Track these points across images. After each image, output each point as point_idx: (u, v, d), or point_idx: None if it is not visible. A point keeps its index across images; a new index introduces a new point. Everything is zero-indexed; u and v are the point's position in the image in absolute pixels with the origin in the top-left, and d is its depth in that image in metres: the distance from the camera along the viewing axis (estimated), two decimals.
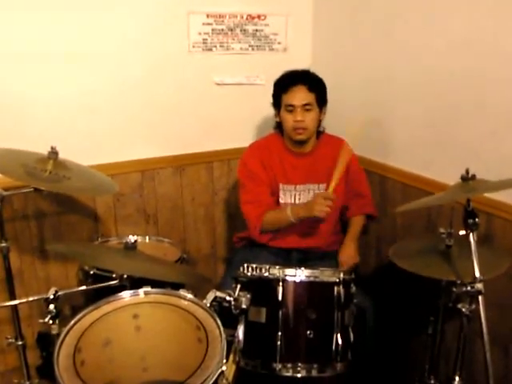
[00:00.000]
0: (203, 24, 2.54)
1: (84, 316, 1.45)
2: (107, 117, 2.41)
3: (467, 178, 1.58)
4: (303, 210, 2.17)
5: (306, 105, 2.19)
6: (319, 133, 2.37)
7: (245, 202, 2.33)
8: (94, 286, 1.85)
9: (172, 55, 2.50)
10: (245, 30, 2.65)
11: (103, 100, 2.38)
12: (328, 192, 2.10)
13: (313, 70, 2.33)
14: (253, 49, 2.70)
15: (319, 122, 2.31)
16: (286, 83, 2.24)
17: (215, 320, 1.43)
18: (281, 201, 2.35)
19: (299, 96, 2.19)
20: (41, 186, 1.82)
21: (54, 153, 1.85)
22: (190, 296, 1.54)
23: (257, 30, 2.68)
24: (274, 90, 2.28)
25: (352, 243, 2.34)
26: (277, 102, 2.28)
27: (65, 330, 1.39)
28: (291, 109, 2.21)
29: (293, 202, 2.33)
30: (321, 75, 2.31)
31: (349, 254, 2.29)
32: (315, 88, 2.21)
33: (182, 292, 1.56)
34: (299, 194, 2.34)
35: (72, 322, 1.42)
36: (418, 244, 1.95)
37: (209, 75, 2.62)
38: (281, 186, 2.34)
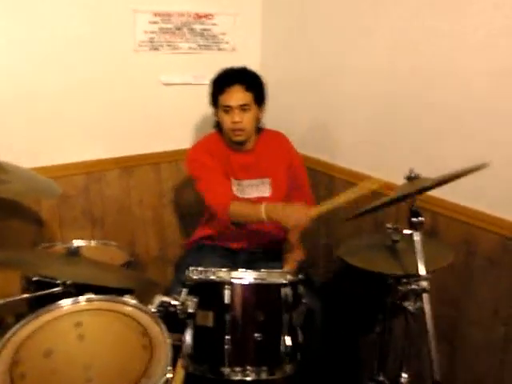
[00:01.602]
0: (150, 22, 2.50)
1: (22, 327, 1.39)
2: (50, 117, 2.34)
3: (412, 178, 1.61)
4: (279, 215, 2.04)
5: (243, 105, 2.17)
6: (260, 129, 2.36)
7: (206, 191, 2.25)
8: (36, 293, 1.79)
9: (117, 54, 2.45)
10: (192, 29, 2.63)
11: (46, 100, 2.31)
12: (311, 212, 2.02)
13: (261, 69, 2.33)
14: (201, 48, 2.67)
15: (258, 120, 2.29)
16: (222, 83, 2.20)
17: (160, 326, 1.40)
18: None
19: (236, 97, 2.17)
20: None
21: None
22: (133, 302, 1.50)
23: (205, 30, 2.66)
24: (211, 90, 2.25)
25: (293, 240, 2.31)
26: (214, 102, 2.25)
27: (1, 341, 1.33)
28: (228, 109, 2.18)
29: (239, 196, 2.32)
30: (269, 75, 2.31)
31: (290, 251, 2.28)
32: (252, 87, 2.19)
33: (126, 298, 1.51)
34: (243, 189, 2.33)
35: (8, 333, 1.35)
36: (365, 241, 1.97)
37: (156, 75, 2.59)
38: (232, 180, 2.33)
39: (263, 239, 2.36)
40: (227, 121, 2.20)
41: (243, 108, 2.17)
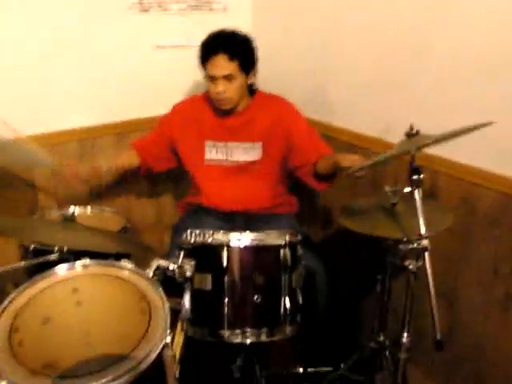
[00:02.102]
0: None
1: (19, 294, 1.38)
2: (40, 84, 2.28)
3: (411, 134, 1.58)
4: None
5: (227, 75, 2.10)
6: (253, 91, 2.30)
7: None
8: (32, 261, 1.77)
9: (108, 16, 2.37)
10: None
11: (34, 67, 2.24)
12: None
13: (253, 30, 2.26)
14: (192, 9, 2.60)
15: (248, 85, 2.23)
16: (206, 51, 2.13)
17: (157, 290, 1.39)
18: (207, 157, 2.32)
19: (219, 67, 2.09)
20: None
21: None
22: (130, 266, 1.48)
23: None
24: (199, 55, 2.18)
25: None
26: (202, 67, 2.19)
27: None
28: (213, 79, 2.13)
29: (225, 158, 2.30)
30: (262, 36, 2.25)
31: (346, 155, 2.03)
32: (238, 55, 2.09)
33: (123, 263, 1.50)
34: (231, 152, 2.30)
35: (6, 301, 1.34)
36: (364, 204, 1.94)
37: (147, 37, 2.52)
38: (207, 142, 2.30)
39: (257, 201, 2.33)
40: (212, 90, 2.16)
41: (228, 78, 2.11)
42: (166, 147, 2.39)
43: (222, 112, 2.27)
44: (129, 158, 2.41)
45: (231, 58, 2.08)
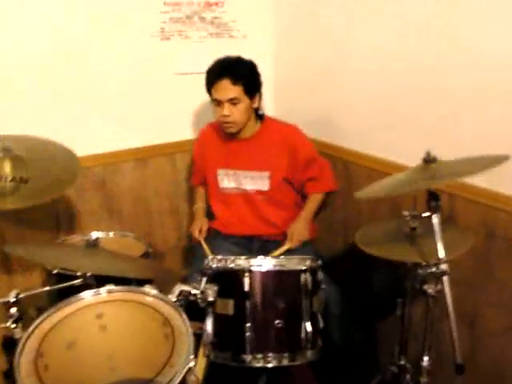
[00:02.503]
0: (160, 12, 2.49)
1: (45, 319, 1.41)
2: (63, 111, 2.34)
3: (429, 161, 1.58)
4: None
5: (231, 99, 2.15)
6: (261, 116, 2.34)
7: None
8: (57, 286, 1.80)
9: (130, 44, 2.44)
10: (203, 18, 2.61)
11: (59, 93, 2.31)
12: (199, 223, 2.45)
13: (273, 56, 2.30)
14: (212, 36, 2.66)
15: (254, 109, 2.27)
16: (211, 76, 2.20)
17: (181, 315, 1.41)
18: (221, 185, 2.37)
19: (224, 90, 2.15)
20: (8, 205, 1.67)
21: (7, 151, 1.72)
22: (154, 292, 1.51)
23: (215, 18, 2.64)
24: (205, 81, 2.24)
25: (302, 219, 2.33)
26: (208, 93, 2.24)
27: (25, 334, 1.35)
28: (218, 103, 2.19)
29: (236, 186, 2.35)
30: (281, 61, 2.29)
31: (297, 229, 2.29)
32: (241, 79, 2.15)
33: (147, 288, 1.53)
34: (240, 180, 2.34)
35: (32, 326, 1.38)
36: (383, 228, 1.94)
37: (168, 65, 2.58)
38: (219, 171, 2.35)
39: (274, 228, 2.37)
40: (218, 114, 2.22)
41: (232, 102, 2.16)
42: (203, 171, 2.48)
43: (230, 139, 2.31)
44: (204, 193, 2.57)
45: (235, 82, 2.14)
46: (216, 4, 2.62)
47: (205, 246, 2.30)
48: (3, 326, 1.45)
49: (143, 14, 2.44)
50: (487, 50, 1.77)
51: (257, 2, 2.72)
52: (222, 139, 2.35)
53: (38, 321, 1.39)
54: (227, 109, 2.16)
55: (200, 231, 2.40)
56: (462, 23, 1.84)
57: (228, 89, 2.14)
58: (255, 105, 2.26)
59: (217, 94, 2.17)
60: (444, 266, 1.49)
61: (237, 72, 2.16)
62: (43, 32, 2.21)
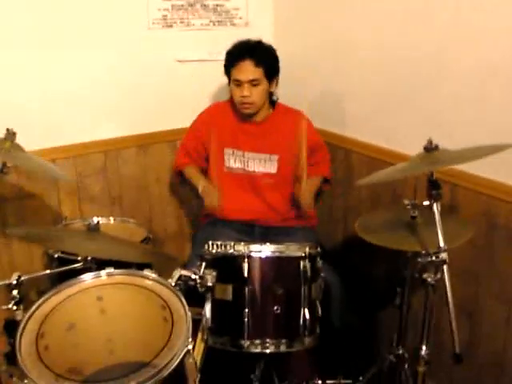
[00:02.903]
0: (162, 0, 2.48)
1: (45, 301, 1.42)
2: (66, 97, 2.35)
3: (430, 149, 1.58)
4: (202, 193, 2.29)
5: (252, 80, 2.18)
6: (273, 102, 2.37)
7: (181, 144, 2.50)
8: (58, 269, 1.81)
9: (131, 32, 2.44)
10: (205, 6, 2.61)
11: (61, 80, 2.32)
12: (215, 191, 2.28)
13: (274, 44, 2.30)
14: (214, 24, 2.66)
15: (270, 93, 2.31)
16: (233, 57, 2.23)
17: (180, 299, 1.42)
18: (226, 164, 2.37)
19: (246, 71, 2.18)
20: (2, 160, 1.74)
21: (10, 134, 1.77)
22: (153, 276, 1.51)
23: (217, 5, 2.64)
24: (225, 62, 2.27)
25: (307, 186, 2.27)
26: (227, 74, 2.27)
27: (26, 315, 1.36)
28: (238, 83, 2.21)
29: (242, 167, 2.36)
30: (282, 49, 2.29)
31: (307, 193, 2.26)
32: (263, 62, 2.19)
33: (146, 272, 1.53)
34: (247, 161, 2.35)
35: (33, 307, 1.39)
36: (383, 216, 1.95)
37: (170, 52, 2.58)
38: (226, 150, 2.36)
39: (275, 213, 2.37)
40: (237, 94, 2.23)
41: (253, 83, 2.19)
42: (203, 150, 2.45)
43: (242, 120, 2.33)
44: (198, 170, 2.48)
45: (257, 64, 2.17)
46: None
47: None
48: (5, 307, 1.46)
49: (145, 1, 2.43)
50: (489, 36, 1.77)
51: None
52: (233, 119, 2.36)
53: (39, 302, 1.40)
54: (247, 89, 2.19)
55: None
56: (462, 8, 1.83)
57: (250, 70, 2.17)
58: (272, 89, 2.30)
59: (238, 74, 2.19)
60: (444, 255, 1.48)
61: (260, 54, 2.20)
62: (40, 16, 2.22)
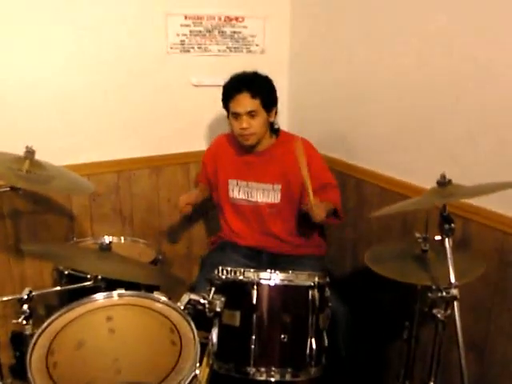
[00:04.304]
0: (181, 25, 2.54)
1: (57, 318, 1.43)
2: (84, 117, 2.39)
3: (443, 183, 1.58)
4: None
5: (250, 112, 2.20)
6: (276, 130, 2.38)
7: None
8: (68, 286, 1.82)
9: (150, 56, 2.49)
10: (223, 32, 2.65)
11: (79, 100, 2.37)
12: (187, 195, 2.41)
13: (290, 71, 2.33)
14: (230, 50, 2.70)
15: (271, 122, 2.32)
16: (230, 90, 2.25)
17: (189, 323, 1.42)
18: (231, 195, 2.39)
19: (243, 104, 2.20)
20: (19, 185, 1.82)
21: (30, 152, 1.81)
22: (163, 299, 1.53)
23: (235, 32, 2.68)
24: (222, 96, 2.29)
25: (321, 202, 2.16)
26: (225, 107, 2.30)
27: (38, 331, 1.37)
28: (236, 116, 2.23)
29: (246, 198, 2.37)
30: (298, 77, 2.32)
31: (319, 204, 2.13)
32: (260, 93, 2.20)
33: (156, 294, 1.54)
34: (251, 192, 2.36)
35: (45, 323, 1.40)
36: (393, 248, 1.94)
37: (186, 76, 2.62)
38: (230, 181, 2.38)
39: (280, 243, 2.37)
40: (236, 127, 2.25)
41: (251, 114, 2.20)
42: (210, 185, 2.50)
43: (244, 151, 2.35)
44: (205, 189, 2.54)
45: (254, 96, 2.19)
46: (236, 19, 2.67)
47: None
48: (15, 321, 1.47)
49: (164, 26, 2.49)
50: (506, 70, 1.78)
51: (276, 18, 2.76)
52: (236, 151, 2.38)
53: (51, 318, 1.41)
54: (246, 121, 2.20)
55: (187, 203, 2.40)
56: (479, 43, 1.85)
57: (247, 102, 2.19)
58: (271, 119, 2.30)
59: (236, 107, 2.21)
60: (455, 291, 1.47)
61: (256, 86, 2.21)
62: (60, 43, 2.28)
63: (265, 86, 2.26)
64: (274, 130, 2.37)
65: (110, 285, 1.66)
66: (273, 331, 1.70)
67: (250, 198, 2.36)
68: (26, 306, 1.50)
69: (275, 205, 2.34)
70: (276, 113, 2.33)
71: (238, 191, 2.38)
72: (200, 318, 1.58)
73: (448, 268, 1.48)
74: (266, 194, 2.34)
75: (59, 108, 2.32)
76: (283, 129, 2.47)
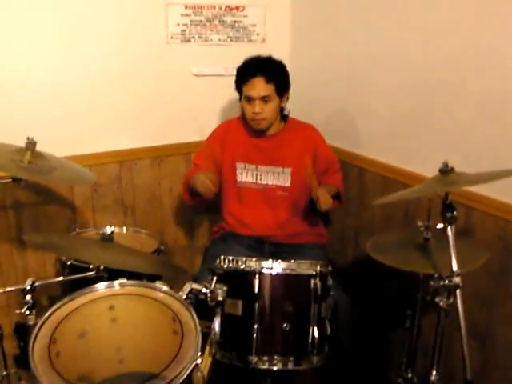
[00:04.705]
0: (182, 15, 2.52)
1: (59, 307, 1.44)
2: (85, 107, 2.38)
3: (446, 171, 1.57)
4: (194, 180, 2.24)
5: (264, 97, 2.20)
6: (285, 116, 2.39)
7: (193, 163, 2.47)
8: (71, 277, 1.83)
9: (150, 46, 2.48)
10: (223, 21, 2.64)
11: (80, 91, 2.36)
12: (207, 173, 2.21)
13: (291, 61, 2.32)
14: (231, 40, 2.69)
15: (281, 108, 2.32)
16: (244, 73, 2.24)
17: (191, 312, 1.42)
18: (238, 179, 2.38)
19: (257, 88, 2.19)
20: (21, 176, 1.83)
21: (31, 143, 1.81)
22: (165, 288, 1.52)
23: (235, 21, 2.67)
24: (236, 78, 2.29)
25: (326, 188, 2.23)
26: (238, 90, 2.29)
27: (40, 321, 1.38)
28: (250, 100, 2.22)
29: (254, 181, 2.36)
30: (299, 66, 2.31)
31: (325, 192, 2.18)
32: (274, 78, 2.20)
33: (158, 284, 1.54)
34: (260, 175, 2.36)
35: (47, 313, 1.40)
36: (395, 237, 1.94)
37: (187, 66, 2.61)
38: (238, 164, 2.37)
39: (286, 231, 2.37)
40: (248, 110, 2.25)
41: (264, 99, 2.20)
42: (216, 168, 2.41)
43: (254, 135, 2.34)
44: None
45: (268, 81, 2.19)
46: (237, 8, 2.65)
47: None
48: (18, 312, 1.47)
49: (165, 16, 2.47)
50: (507, 60, 1.77)
51: (276, 7, 2.75)
52: (246, 134, 2.38)
53: (53, 308, 1.42)
54: (259, 106, 2.20)
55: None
56: (482, 32, 1.84)
57: (261, 87, 2.19)
58: (283, 104, 2.31)
59: (250, 91, 2.21)
60: (457, 279, 1.46)
61: (270, 71, 2.21)
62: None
63: (279, 71, 2.26)
64: (283, 116, 2.38)
65: (112, 275, 1.66)
66: (275, 320, 1.71)
67: (258, 181, 2.36)
68: (29, 297, 1.50)
69: (286, 188, 2.34)
70: (288, 98, 2.33)
71: (245, 174, 2.38)
72: (202, 307, 1.58)
73: (450, 256, 1.48)
74: (276, 177, 2.35)
75: (60, 99, 2.31)
76: None
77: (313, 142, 2.36)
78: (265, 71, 2.19)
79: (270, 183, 2.35)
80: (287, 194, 2.35)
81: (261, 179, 2.36)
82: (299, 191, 2.33)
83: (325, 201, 2.14)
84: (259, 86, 2.19)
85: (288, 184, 2.34)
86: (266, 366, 1.68)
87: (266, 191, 2.36)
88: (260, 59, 2.26)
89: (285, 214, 2.36)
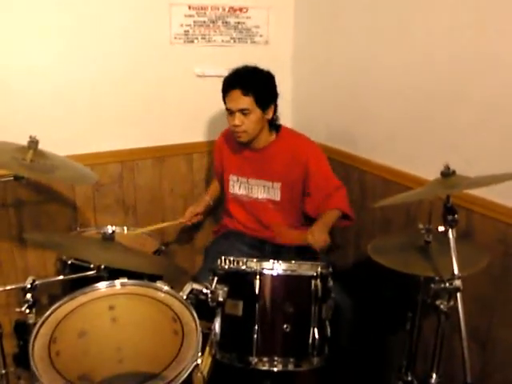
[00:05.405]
0: (185, 16, 2.53)
1: (60, 306, 1.44)
2: (87, 107, 2.39)
3: (447, 174, 1.57)
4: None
5: (242, 109, 2.15)
6: (277, 127, 2.33)
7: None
8: (71, 276, 1.82)
9: (153, 47, 2.49)
10: (227, 23, 2.64)
11: (83, 90, 2.36)
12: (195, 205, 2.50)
13: (294, 62, 2.31)
14: (234, 41, 2.69)
15: (267, 120, 2.25)
16: (225, 85, 2.21)
17: (191, 312, 1.43)
18: (231, 191, 2.39)
19: (235, 101, 2.16)
20: (23, 174, 1.84)
21: (33, 142, 1.81)
22: (166, 288, 1.53)
23: (239, 23, 2.67)
24: (221, 89, 2.24)
25: (320, 224, 2.14)
26: (223, 102, 2.24)
27: (40, 320, 1.38)
28: (230, 112, 2.20)
29: (246, 193, 2.36)
30: (302, 68, 2.30)
31: (317, 229, 2.10)
32: (252, 90, 2.14)
33: (159, 284, 1.54)
34: (251, 188, 2.36)
35: (48, 312, 1.40)
36: (396, 239, 1.94)
37: (190, 67, 2.61)
38: (231, 176, 2.38)
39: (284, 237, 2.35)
40: (230, 122, 2.22)
41: (243, 112, 2.16)
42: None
43: (244, 146, 2.32)
44: (217, 188, 2.57)
45: (245, 93, 2.14)
46: (240, 9, 2.66)
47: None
48: (18, 310, 1.47)
49: (168, 16, 2.48)
50: (508, 63, 1.77)
51: (280, 8, 2.75)
52: (237, 147, 2.36)
53: (53, 307, 1.42)
54: (238, 118, 2.17)
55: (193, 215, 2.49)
56: (482, 35, 1.84)
57: (239, 99, 2.15)
58: (268, 116, 2.24)
59: (229, 103, 2.19)
60: (458, 283, 1.46)
61: (248, 83, 2.15)
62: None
63: (260, 83, 2.19)
64: (274, 127, 2.32)
65: (112, 274, 1.66)
66: (275, 321, 1.70)
67: (250, 194, 2.36)
68: (29, 295, 1.50)
69: (277, 202, 2.33)
70: (275, 110, 2.27)
71: (238, 187, 2.38)
72: (202, 307, 1.58)
73: (451, 259, 1.47)
74: (266, 191, 2.33)
75: (63, 98, 2.32)
76: (287, 121, 2.46)
77: (304, 156, 2.27)
78: (242, 83, 2.15)
79: (260, 197, 2.34)
80: (279, 208, 2.34)
81: (252, 192, 2.36)
82: (290, 206, 2.32)
83: (318, 242, 2.05)
84: (237, 99, 2.15)
85: (278, 198, 2.32)
86: (266, 367, 1.68)
87: (257, 204, 2.36)
88: (240, 71, 2.21)
89: (281, 224, 2.35)
